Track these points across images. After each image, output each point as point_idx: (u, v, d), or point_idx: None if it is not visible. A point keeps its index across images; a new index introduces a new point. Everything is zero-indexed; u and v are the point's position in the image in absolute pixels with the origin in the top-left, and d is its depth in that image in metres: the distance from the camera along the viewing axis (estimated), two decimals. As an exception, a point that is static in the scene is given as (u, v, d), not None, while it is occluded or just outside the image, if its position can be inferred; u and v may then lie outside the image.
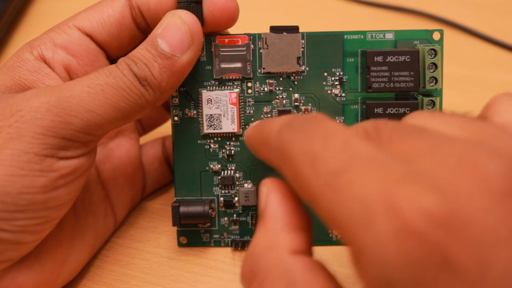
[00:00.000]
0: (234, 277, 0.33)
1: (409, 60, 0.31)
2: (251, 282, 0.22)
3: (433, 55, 0.31)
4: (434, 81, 0.31)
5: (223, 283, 0.33)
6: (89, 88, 0.27)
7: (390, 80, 0.31)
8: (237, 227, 0.34)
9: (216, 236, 0.35)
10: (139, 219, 0.38)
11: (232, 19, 0.32)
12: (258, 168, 0.34)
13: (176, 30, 0.29)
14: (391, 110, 0.31)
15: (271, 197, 0.24)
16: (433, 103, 0.31)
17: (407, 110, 0.31)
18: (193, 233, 0.35)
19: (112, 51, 0.33)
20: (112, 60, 0.33)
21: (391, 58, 0.31)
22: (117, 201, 0.36)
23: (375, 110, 0.31)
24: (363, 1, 0.55)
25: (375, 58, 0.31)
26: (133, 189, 0.37)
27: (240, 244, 0.34)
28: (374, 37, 0.32)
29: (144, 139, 0.40)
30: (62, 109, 0.27)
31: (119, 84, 0.28)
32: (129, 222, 0.38)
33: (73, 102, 0.27)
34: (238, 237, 0.35)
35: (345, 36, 0.32)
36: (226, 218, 0.34)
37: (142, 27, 0.32)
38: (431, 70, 0.31)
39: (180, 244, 0.35)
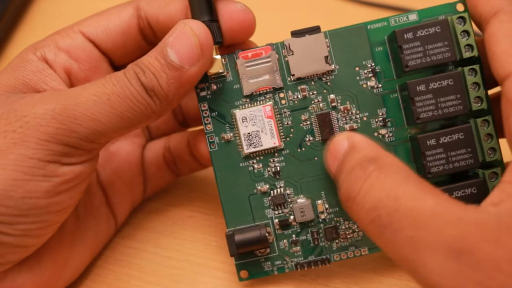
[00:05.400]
0: (235, 277, 0.32)
1: (439, 30, 0.30)
2: None
3: (462, 23, 0.30)
4: (470, 49, 0.30)
5: (223, 283, 0.33)
6: (95, 96, 0.27)
7: (426, 54, 0.30)
8: (298, 248, 0.32)
9: (278, 262, 0.32)
10: (139, 218, 0.38)
11: (250, 31, 0.32)
12: (309, 180, 0.32)
13: (186, 42, 0.28)
14: (434, 85, 0.30)
15: None
16: (474, 72, 0.30)
17: (450, 82, 0.29)
18: (253, 264, 0.32)
19: (116, 59, 0.33)
20: (116, 67, 0.33)
21: (421, 32, 0.30)
22: (116, 205, 0.35)
23: (418, 88, 0.30)
24: (363, 1, 0.53)
25: (405, 36, 0.30)
26: (133, 194, 0.36)
27: (306, 266, 0.32)
28: (397, 21, 0.31)
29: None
30: (67, 117, 0.27)
31: (126, 94, 0.28)
32: (130, 221, 0.37)
33: (78, 110, 0.27)
34: (302, 258, 0.32)
35: (369, 26, 0.31)
36: (285, 241, 0.32)
37: (149, 38, 0.32)
38: (465, 38, 0.30)
39: (241, 279, 0.32)
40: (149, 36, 0.33)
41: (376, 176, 0.25)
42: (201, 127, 0.36)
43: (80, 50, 0.32)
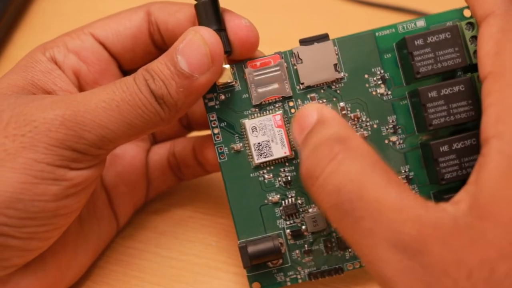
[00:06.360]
0: (234, 277, 0.34)
1: (450, 36, 0.30)
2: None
3: (471, 29, 0.30)
4: (479, 55, 0.30)
5: (223, 283, 0.33)
6: (104, 103, 0.27)
7: (437, 61, 0.30)
8: (311, 257, 0.32)
9: (290, 273, 0.32)
10: (141, 219, 0.38)
11: (253, 49, 0.31)
12: (320, 189, 0.32)
13: (196, 50, 0.28)
14: (445, 91, 0.30)
15: None
16: (484, 77, 0.30)
17: (462, 88, 0.29)
18: (266, 275, 0.32)
19: (125, 63, 0.33)
20: (124, 71, 0.33)
21: (432, 38, 0.30)
22: (119, 207, 0.35)
23: (429, 94, 0.30)
24: (365, 2, 0.53)
25: (416, 42, 0.30)
26: (135, 196, 0.36)
27: (319, 275, 0.31)
28: (406, 28, 0.31)
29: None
30: (76, 123, 0.27)
31: (135, 101, 0.27)
32: (131, 222, 0.37)
33: (87, 117, 0.27)
34: (315, 268, 0.32)
35: (377, 33, 0.31)
36: (297, 251, 0.32)
37: (158, 43, 0.32)
38: (474, 44, 0.30)
39: (254, 292, 0.32)
40: (158, 42, 0.32)
41: (342, 158, 0.24)
42: (207, 131, 0.36)
43: (89, 52, 0.32)
